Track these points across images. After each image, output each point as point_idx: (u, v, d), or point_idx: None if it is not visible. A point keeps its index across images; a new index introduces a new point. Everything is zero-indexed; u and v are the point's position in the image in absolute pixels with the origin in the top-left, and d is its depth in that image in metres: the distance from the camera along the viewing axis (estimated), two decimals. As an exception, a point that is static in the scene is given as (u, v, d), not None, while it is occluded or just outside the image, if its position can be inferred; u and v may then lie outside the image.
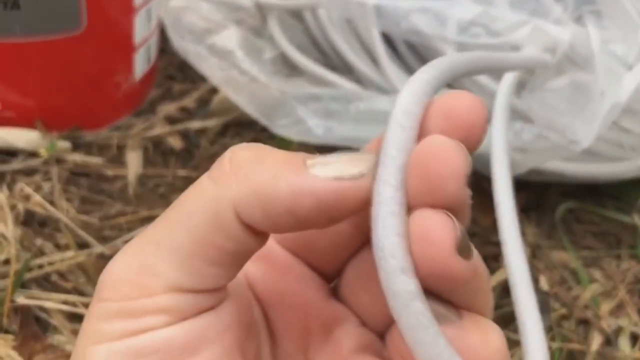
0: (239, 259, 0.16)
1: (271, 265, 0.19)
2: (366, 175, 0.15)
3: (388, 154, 0.15)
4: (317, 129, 0.37)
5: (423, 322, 0.14)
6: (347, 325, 0.19)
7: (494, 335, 0.16)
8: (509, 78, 0.31)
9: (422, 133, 0.15)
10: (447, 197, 0.14)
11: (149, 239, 0.16)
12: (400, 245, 0.14)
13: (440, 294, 0.16)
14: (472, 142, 0.15)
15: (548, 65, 0.33)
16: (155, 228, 0.16)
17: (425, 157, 0.14)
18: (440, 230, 0.14)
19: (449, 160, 0.14)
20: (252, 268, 0.19)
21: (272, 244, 0.19)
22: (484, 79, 0.37)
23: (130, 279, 0.15)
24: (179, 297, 0.15)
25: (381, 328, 0.19)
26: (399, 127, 0.15)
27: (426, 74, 0.16)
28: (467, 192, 0.15)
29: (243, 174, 0.15)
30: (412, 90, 0.16)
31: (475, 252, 0.15)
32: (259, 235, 0.16)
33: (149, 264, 0.15)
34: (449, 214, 0.14)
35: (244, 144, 0.16)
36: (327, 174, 0.15)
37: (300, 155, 0.15)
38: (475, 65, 0.20)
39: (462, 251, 0.14)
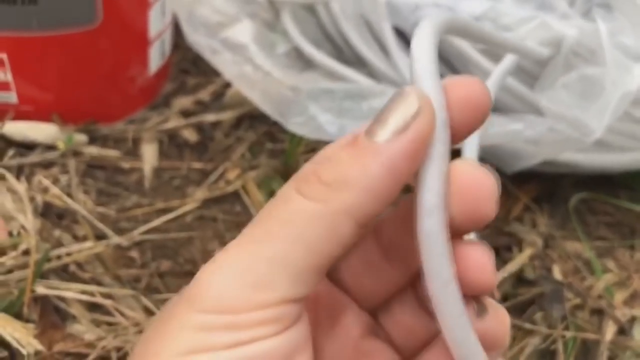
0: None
1: None
2: (422, 109, 0.16)
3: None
4: (329, 126, 0.37)
5: (460, 310, 0.16)
6: (350, 311, 0.19)
7: (504, 313, 0.18)
8: (506, 62, 0.31)
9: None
10: (488, 219, 0.17)
11: (261, 256, 0.16)
12: (447, 256, 0.16)
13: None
14: (480, 122, 0.17)
15: (542, 58, 0.33)
16: (263, 244, 0.16)
17: (467, 185, 0.16)
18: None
19: (487, 186, 0.16)
20: None
21: None
22: (484, 63, 0.37)
23: (243, 295, 0.16)
24: (290, 307, 0.16)
25: (375, 309, 0.20)
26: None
27: (430, 33, 0.17)
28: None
29: (339, 186, 0.16)
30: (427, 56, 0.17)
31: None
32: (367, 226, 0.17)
33: (264, 280, 0.16)
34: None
35: (309, 163, 0.17)
36: (391, 131, 0.16)
37: (361, 136, 0.16)
38: (468, 31, 0.21)
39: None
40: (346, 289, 0.20)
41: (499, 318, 0.18)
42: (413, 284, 0.20)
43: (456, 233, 0.17)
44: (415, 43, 0.16)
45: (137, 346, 0.18)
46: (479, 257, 0.17)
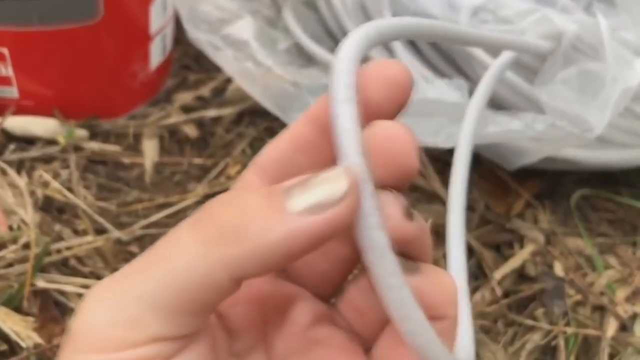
0: (220, 304, 0.16)
1: None
2: (349, 195, 0.15)
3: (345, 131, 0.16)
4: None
5: (393, 270, 0.16)
6: (300, 302, 0.19)
7: (449, 279, 0.17)
8: (504, 57, 0.31)
9: (363, 102, 0.16)
10: (412, 171, 0.16)
11: (131, 295, 0.16)
12: (375, 204, 0.16)
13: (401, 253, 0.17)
14: (403, 102, 0.17)
15: (542, 53, 0.33)
16: (135, 281, 0.16)
17: (387, 140, 0.16)
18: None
19: (408, 141, 0.16)
20: None
21: None
22: (486, 58, 0.37)
23: (114, 334, 0.15)
24: (162, 346, 0.16)
25: (329, 295, 0.20)
26: (348, 101, 0.16)
27: (356, 42, 0.17)
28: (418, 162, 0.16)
29: (231, 235, 0.15)
30: (348, 60, 0.16)
31: (416, 213, 0.17)
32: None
33: (133, 318, 0.15)
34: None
35: (219, 198, 0.16)
36: (308, 205, 0.15)
37: (277, 193, 0.15)
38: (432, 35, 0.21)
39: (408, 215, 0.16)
40: (298, 277, 0.19)
41: (437, 280, 0.17)
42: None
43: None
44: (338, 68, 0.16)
45: None
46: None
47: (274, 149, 0.19)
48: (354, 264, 0.19)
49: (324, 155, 0.17)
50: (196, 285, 0.15)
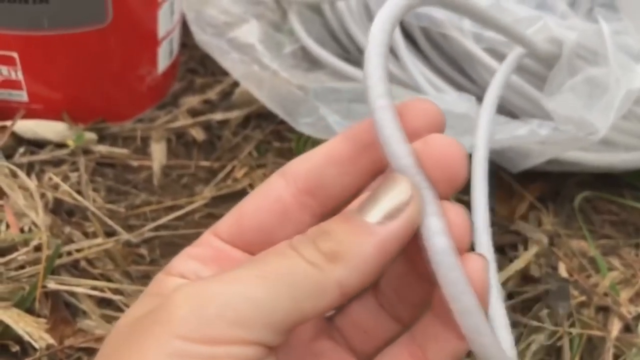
0: None
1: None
2: (413, 197, 0.17)
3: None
4: (338, 127, 0.37)
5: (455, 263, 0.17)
6: None
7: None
8: (510, 60, 0.32)
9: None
10: (462, 181, 0.18)
11: (245, 296, 0.17)
12: (441, 218, 0.17)
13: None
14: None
15: (537, 51, 0.33)
16: (252, 286, 0.17)
17: (442, 154, 0.18)
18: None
19: (457, 151, 0.18)
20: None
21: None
22: (489, 61, 0.37)
23: (221, 328, 0.16)
24: (261, 351, 0.17)
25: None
26: (387, 108, 0.17)
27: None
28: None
29: (335, 257, 0.17)
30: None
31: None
32: None
33: (245, 320, 0.16)
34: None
35: (309, 232, 0.18)
36: (383, 215, 0.17)
37: (354, 214, 0.18)
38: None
39: None
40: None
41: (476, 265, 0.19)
42: (373, 286, 0.21)
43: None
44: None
45: (106, 350, 0.18)
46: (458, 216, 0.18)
47: (306, 161, 0.20)
48: None
49: (358, 170, 0.19)
50: (310, 301, 0.17)
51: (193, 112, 0.43)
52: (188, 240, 0.36)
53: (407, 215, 0.17)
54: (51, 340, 0.29)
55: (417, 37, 0.43)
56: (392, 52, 0.42)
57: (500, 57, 0.37)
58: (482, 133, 0.30)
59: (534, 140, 0.32)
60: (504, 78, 0.33)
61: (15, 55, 0.37)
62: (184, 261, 0.20)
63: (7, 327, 0.30)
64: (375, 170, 0.20)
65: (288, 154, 0.41)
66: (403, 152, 0.17)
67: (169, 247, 0.36)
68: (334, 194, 0.20)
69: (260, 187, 0.20)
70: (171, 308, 0.17)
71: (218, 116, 0.43)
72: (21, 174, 0.36)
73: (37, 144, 0.39)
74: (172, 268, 0.20)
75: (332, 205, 0.20)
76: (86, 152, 0.39)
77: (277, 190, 0.20)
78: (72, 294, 0.32)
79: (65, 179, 0.37)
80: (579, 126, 0.31)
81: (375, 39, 0.18)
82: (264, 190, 0.20)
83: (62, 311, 0.32)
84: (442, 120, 0.19)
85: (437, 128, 0.19)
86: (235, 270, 0.17)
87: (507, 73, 0.33)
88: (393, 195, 0.17)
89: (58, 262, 0.33)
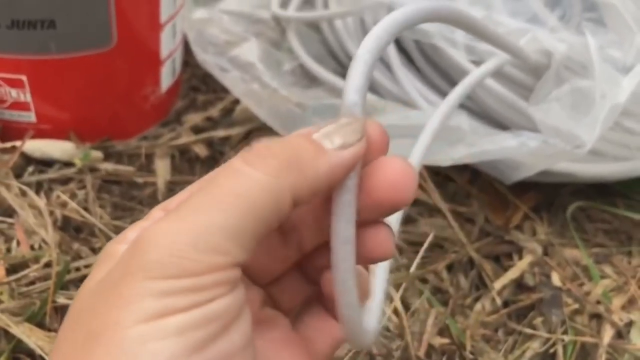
0: None
1: None
2: (362, 139, 0.19)
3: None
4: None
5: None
6: (249, 287, 0.22)
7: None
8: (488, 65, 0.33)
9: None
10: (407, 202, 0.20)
11: (210, 222, 0.18)
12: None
13: None
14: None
15: (528, 61, 0.34)
16: (214, 213, 0.18)
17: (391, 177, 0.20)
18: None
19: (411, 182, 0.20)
20: None
21: None
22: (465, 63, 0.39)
23: (197, 257, 0.17)
24: (237, 271, 0.18)
25: (267, 284, 0.23)
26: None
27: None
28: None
29: (294, 168, 0.19)
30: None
31: None
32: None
33: (217, 246, 0.17)
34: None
35: (270, 140, 0.20)
36: (336, 143, 0.19)
37: (309, 135, 0.19)
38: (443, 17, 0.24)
39: None
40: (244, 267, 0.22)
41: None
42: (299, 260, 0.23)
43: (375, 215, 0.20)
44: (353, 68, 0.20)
45: (79, 317, 0.18)
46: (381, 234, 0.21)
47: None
48: (291, 263, 0.23)
49: None
50: (269, 212, 0.18)
51: (196, 129, 0.45)
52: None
53: (358, 148, 0.19)
54: (62, 354, 0.30)
55: (410, 50, 0.44)
56: (386, 66, 0.43)
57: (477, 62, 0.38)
58: None
59: (523, 152, 0.33)
60: (475, 78, 0.34)
61: (24, 78, 0.38)
62: (135, 231, 0.20)
63: (19, 341, 0.31)
64: None
65: (288, 169, 0.42)
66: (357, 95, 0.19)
67: (173, 261, 0.37)
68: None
69: (216, 169, 0.22)
70: (140, 254, 0.17)
71: (220, 133, 0.44)
72: (30, 193, 0.37)
73: (46, 163, 0.40)
74: (123, 237, 0.20)
75: None
76: (92, 170, 0.40)
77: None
78: (81, 308, 0.33)
79: (73, 196, 0.39)
80: (567, 139, 0.32)
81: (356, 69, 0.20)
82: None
83: (71, 325, 0.33)
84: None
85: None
86: (192, 202, 0.18)
87: (483, 73, 0.34)
88: (350, 129, 0.19)
89: (67, 277, 0.34)
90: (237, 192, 0.18)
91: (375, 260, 0.21)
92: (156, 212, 0.21)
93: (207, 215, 0.18)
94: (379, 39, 0.20)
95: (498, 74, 0.37)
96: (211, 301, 0.17)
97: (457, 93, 0.34)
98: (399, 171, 0.20)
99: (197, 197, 0.18)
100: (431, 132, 0.32)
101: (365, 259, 0.21)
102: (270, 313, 0.22)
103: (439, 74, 0.43)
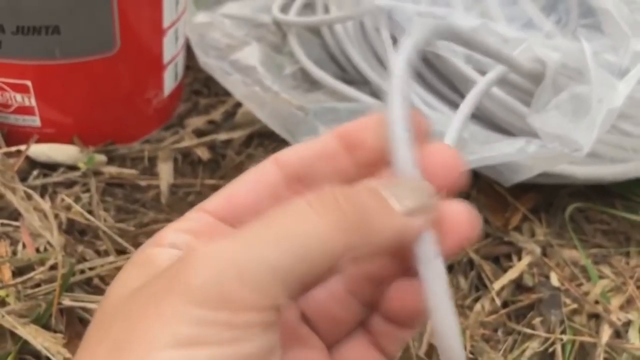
0: None
1: None
2: (434, 207, 0.19)
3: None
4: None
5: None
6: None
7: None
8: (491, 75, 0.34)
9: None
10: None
11: (262, 259, 0.17)
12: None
13: None
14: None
15: (524, 73, 0.35)
16: (267, 251, 0.17)
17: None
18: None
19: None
20: None
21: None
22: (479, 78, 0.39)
23: (241, 295, 0.16)
24: (277, 313, 0.17)
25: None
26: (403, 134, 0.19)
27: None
28: None
29: (358, 227, 0.18)
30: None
31: None
32: None
33: (263, 285, 0.17)
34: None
35: (340, 188, 0.18)
36: (406, 206, 0.18)
37: (377, 190, 0.18)
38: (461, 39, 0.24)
39: None
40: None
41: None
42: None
43: None
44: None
45: (103, 322, 0.18)
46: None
47: (298, 152, 0.21)
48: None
49: (345, 166, 0.21)
50: (322, 263, 0.17)
51: (198, 133, 0.45)
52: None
53: (427, 221, 0.18)
54: (68, 355, 0.31)
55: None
56: (387, 71, 0.44)
57: (481, 70, 0.39)
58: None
59: (523, 157, 0.33)
60: (482, 88, 0.35)
61: (29, 83, 0.39)
62: (173, 233, 0.20)
63: (25, 343, 0.31)
64: (361, 169, 0.21)
65: (290, 172, 0.43)
66: (410, 160, 0.19)
67: (177, 263, 0.37)
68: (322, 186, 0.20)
69: (251, 171, 0.21)
70: (185, 275, 0.17)
71: (222, 136, 0.45)
72: (35, 196, 0.38)
73: (50, 167, 0.41)
74: (160, 239, 0.20)
75: None
76: (96, 173, 0.41)
77: (270, 175, 0.21)
78: (86, 310, 0.34)
79: (77, 199, 0.39)
80: (564, 143, 0.32)
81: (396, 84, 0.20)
82: (256, 174, 0.21)
83: (76, 327, 0.33)
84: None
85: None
86: (249, 232, 0.17)
87: (487, 84, 0.35)
88: (421, 195, 0.18)
89: (72, 280, 0.34)
90: (294, 235, 0.17)
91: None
92: (194, 213, 0.21)
93: (261, 251, 0.17)
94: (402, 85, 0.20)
95: (500, 81, 0.37)
96: (245, 340, 0.17)
97: (467, 105, 0.35)
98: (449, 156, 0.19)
99: (255, 228, 0.18)
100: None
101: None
102: (306, 332, 0.21)
103: (440, 79, 0.43)
